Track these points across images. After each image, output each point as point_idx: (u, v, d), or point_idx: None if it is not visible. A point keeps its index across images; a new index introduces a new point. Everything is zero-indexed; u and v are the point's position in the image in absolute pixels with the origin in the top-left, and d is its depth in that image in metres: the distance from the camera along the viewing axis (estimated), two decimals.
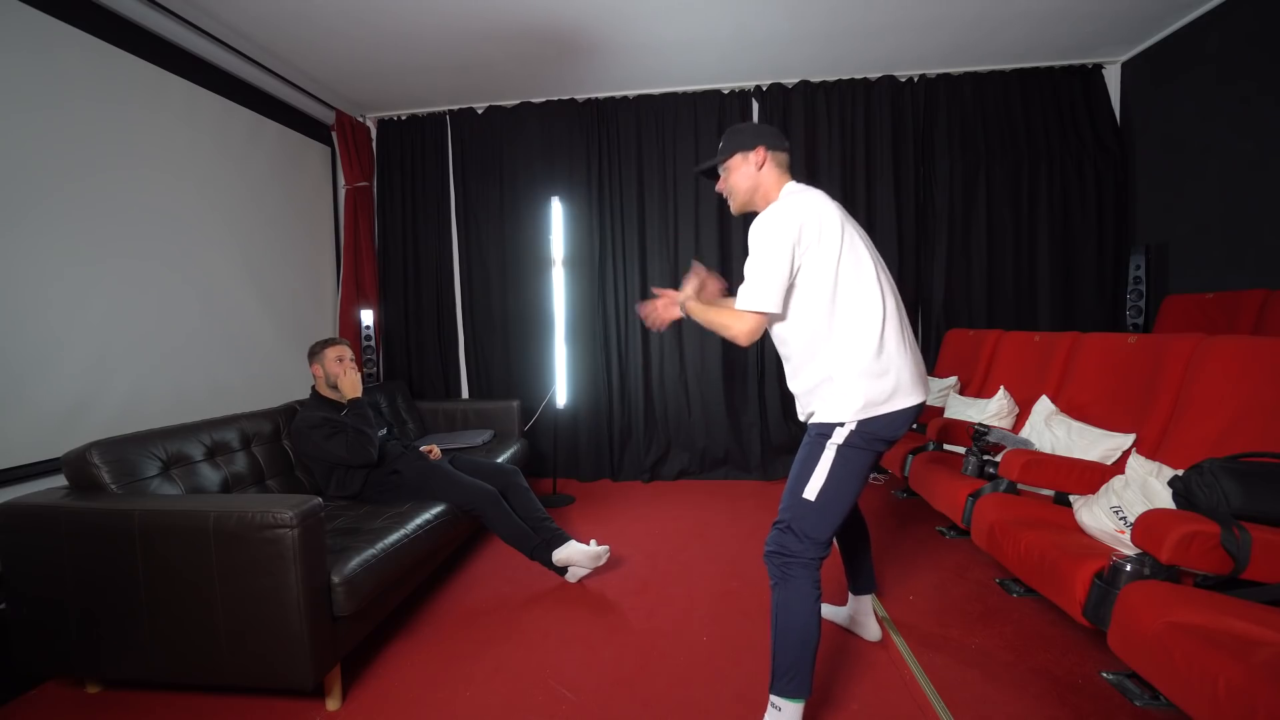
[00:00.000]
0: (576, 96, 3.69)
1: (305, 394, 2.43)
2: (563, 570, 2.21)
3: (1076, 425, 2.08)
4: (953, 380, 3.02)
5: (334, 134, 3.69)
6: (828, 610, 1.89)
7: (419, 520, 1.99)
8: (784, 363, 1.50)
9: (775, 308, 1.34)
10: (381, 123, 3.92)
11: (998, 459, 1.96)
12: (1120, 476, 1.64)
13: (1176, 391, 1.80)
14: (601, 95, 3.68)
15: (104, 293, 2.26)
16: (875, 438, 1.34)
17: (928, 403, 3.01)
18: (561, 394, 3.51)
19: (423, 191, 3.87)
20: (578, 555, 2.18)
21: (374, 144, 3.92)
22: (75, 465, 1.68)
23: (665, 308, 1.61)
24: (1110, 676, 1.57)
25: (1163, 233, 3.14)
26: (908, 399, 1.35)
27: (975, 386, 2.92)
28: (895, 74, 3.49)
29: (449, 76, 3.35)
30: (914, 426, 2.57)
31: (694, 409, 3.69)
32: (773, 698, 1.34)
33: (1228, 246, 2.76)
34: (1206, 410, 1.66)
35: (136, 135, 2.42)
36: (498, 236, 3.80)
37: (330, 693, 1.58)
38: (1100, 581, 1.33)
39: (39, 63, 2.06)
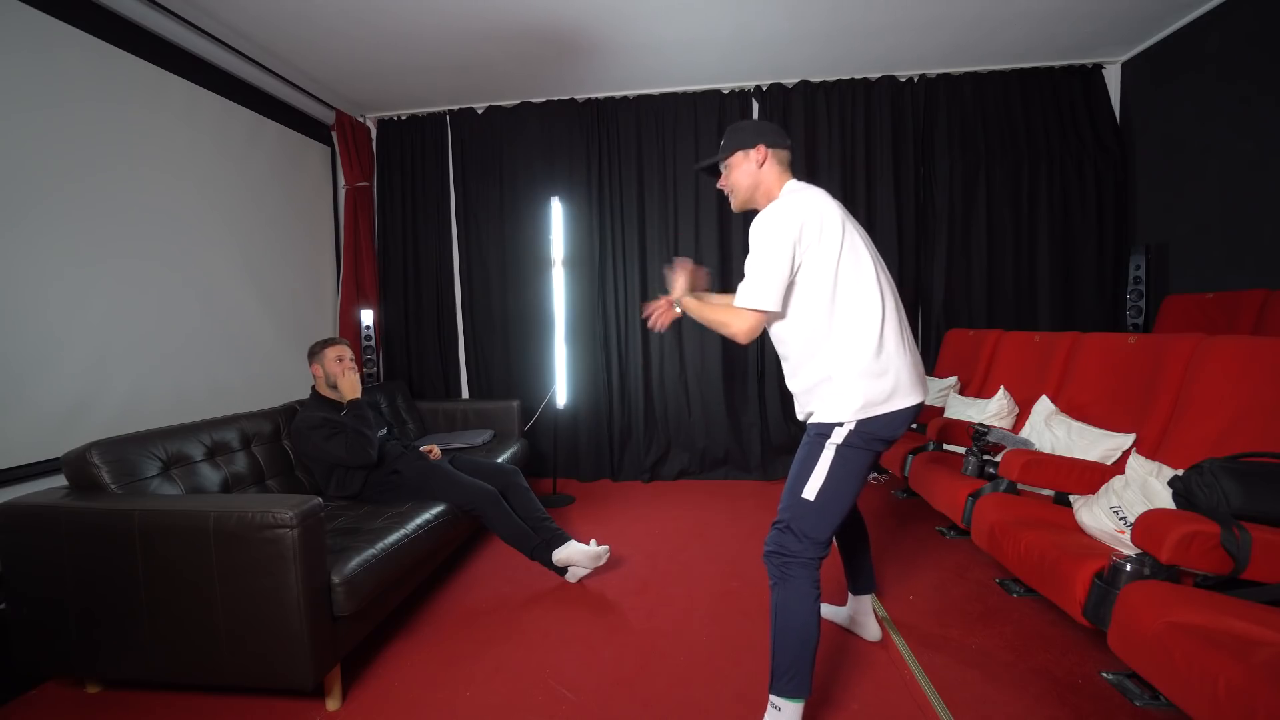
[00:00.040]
0: (576, 96, 3.69)
1: (305, 394, 2.43)
2: (563, 570, 2.21)
3: (1076, 425, 2.08)
4: (953, 380, 3.02)
5: (334, 134, 3.69)
6: (828, 610, 1.89)
7: (419, 520, 1.99)
8: (782, 362, 1.50)
9: (775, 306, 1.34)
10: (381, 123, 3.92)
11: (998, 459, 1.96)
12: (1120, 476, 1.64)
13: (1176, 391, 1.80)
14: (601, 95, 3.68)
15: (104, 293, 2.26)
16: (874, 438, 1.34)
17: (928, 403, 3.02)
18: (561, 394, 3.51)
19: (423, 191, 3.87)
20: (578, 555, 2.18)
21: (374, 144, 3.92)
22: (75, 465, 1.68)
23: (664, 312, 1.60)
24: (1110, 676, 1.57)
25: (1163, 233, 3.14)
26: (907, 399, 1.35)
27: (975, 386, 2.92)
28: (895, 74, 3.49)
29: (449, 76, 3.35)
30: (913, 426, 2.58)
31: (694, 409, 3.69)
32: (772, 697, 1.34)
33: (1228, 246, 2.76)
34: (1206, 410, 1.66)
35: (136, 135, 2.42)
36: (498, 236, 3.80)
37: (330, 693, 1.58)
38: (1100, 581, 1.33)
39: (39, 63, 2.06)
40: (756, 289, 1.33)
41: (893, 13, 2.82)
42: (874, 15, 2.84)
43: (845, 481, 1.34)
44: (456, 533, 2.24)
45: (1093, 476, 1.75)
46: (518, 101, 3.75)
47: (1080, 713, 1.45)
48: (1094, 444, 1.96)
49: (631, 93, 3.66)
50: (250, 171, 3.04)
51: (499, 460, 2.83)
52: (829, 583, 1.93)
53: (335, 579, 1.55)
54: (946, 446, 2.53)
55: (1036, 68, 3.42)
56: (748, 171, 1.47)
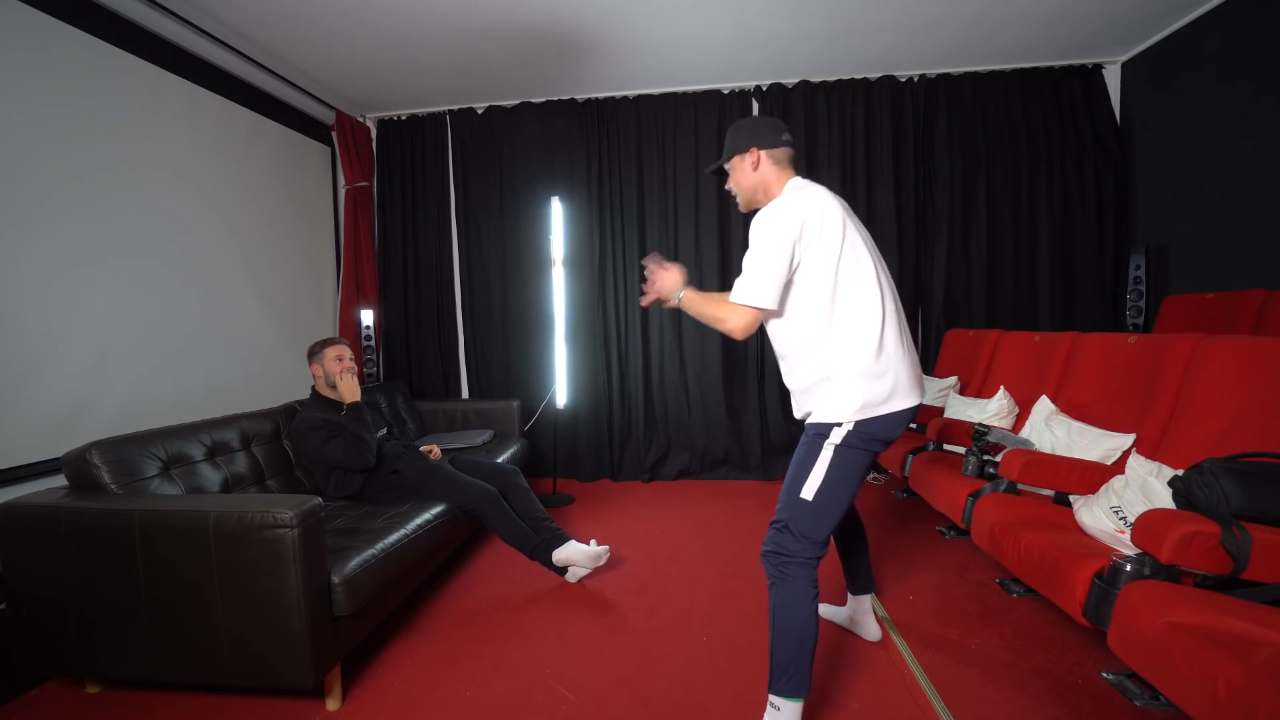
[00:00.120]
0: (576, 96, 3.69)
1: (305, 394, 2.43)
2: (563, 570, 2.21)
3: (1076, 425, 2.08)
4: (953, 380, 3.02)
5: (334, 134, 3.69)
6: (828, 611, 1.89)
7: (419, 520, 1.99)
8: (779, 359, 1.50)
9: (771, 304, 1.34)
10: (381, 123, 3.92)
11: (998, 459, 1.96)
12: (1120, 476, 1.64)
13: (1176, 391, 1.80)
14: (601, 95, 3.68)
15: (104, 293, 2.26)
16: (872, 438, 1.34)
17: (927, 403, 3.02)
18: (561, 394, 3.51)
19: (423, 191, 3.87)
20: (578, 555, 2.18)
21: (374, 144, 3.92)
22: (75, 465, 1.68)
23: (666, 283, 1.50)
24: (1110, 676, 1.57)
25: (1163, 233, 3.14)
26: (905, 400, 1.35)
27: (975, 386, 2.92)
28: (895, 74, 3.49)
29: (449, 76, 3.35)
30: (913, 426, 2.58)
31: (694, 409, 3.69)
32: (772, 697, 1.34)
33: (1228, 246, 2.76)
34: (1206, 410, 1.66)
35: (136, 135, 2.42)
36: (498, 236, 3.80)
37: (330, 693, 1.58)
38: (1100, 581, 1.33)
39: (39, 63, 2.06)
40: (753, 286, 1.33)
41: (892, 13, 2.82)
42: (873, 15, 2.84)
43: (843, 481, 1.34)
44: (456, 533, 2.24)
45: (1093, 476, 1.75)
46: (518, 101, 3.75)
47: (1080, 713, 1.45)
48: (1094, 444, 1.96)
49: (631, 93, 3.66)
50: (250, 171, 3.04)
51: (499, 460, 2.83)
52: (829, 583, 1.93)
53: (335, 579, 1.55)
54: (946, 446, 2.53)
55: (1036, 68, 3.42)
56: (745, 174, 1.48)
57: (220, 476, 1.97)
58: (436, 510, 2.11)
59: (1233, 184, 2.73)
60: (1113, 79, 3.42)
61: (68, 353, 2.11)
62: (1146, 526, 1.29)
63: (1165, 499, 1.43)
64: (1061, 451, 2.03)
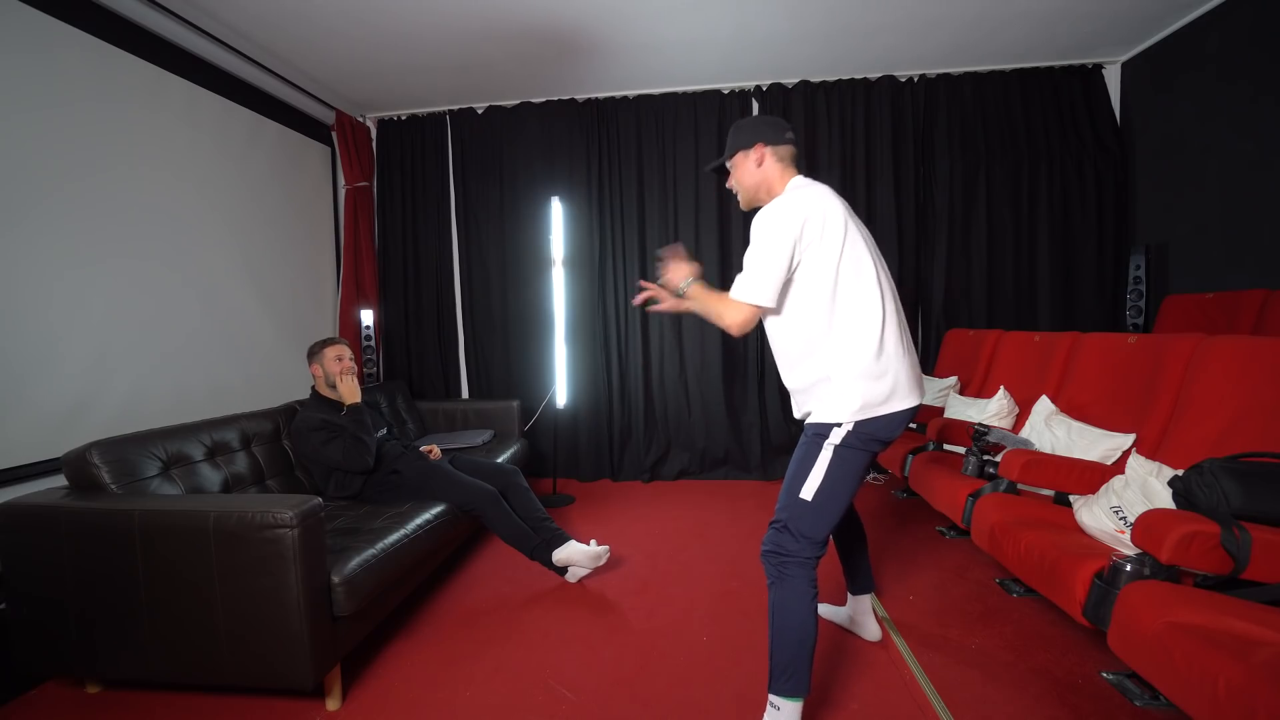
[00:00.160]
0: (576, 96, 3.69)
1: (305, 394, 2.43)
2: (563, 570, 2.21)
3: (1076, 425, 2.08)
4: (953, 380, 3.02)
5: (334, 134, 3.69)
6: (828, 611, 1.89)
7: (419, 520, 1.99)
8: (776, 357, 1.50)
9: (769, 302, 1.34)
10: (381, 123, 3.92)
11: (998, 459, 1.96)
12: (1120, 476, 1.64)
13: (1176, 391, 1.80)
14: (601, 95, 3.68)
15: (104, 293, 2.26)
16: (872, 439, 1.34)
17: (927, 403, 3.02)
18: (561, 394, 3.51)
19: (423, 191, 3.87)
20: (578, 555, 2.18)
21: (374, 144, 3.92)
22: (75, 465, 1.68)
23: (665, 302, 1.52)
24: (1110, 676, 1.57)
25: (1163, 233, 3.14)
26: (905, 401, 1.35)
27: (975, 386, 2.92)
28: (895, 74, 3.49)
29: (449, 76, 3.35)
30: (913, 426, 2.59)
31: (694, 409, 3.69)
32: (771, 697, 1.34)
33: (1228, 246, 2.76)
34: (1206, 410, 1.66)
35: (136, 135, 2.42)
36: (498, 236, 3.80)
37: (330, 693, 1.58)
38: (1100, 581, 1.33)
39: (39, 63, 2.06)
40: (753, 283, 1.34)
41: (892, 13, 2.82)
42: (873, 15, 2.84)
43: (842, 482, 1.34)
44: (456, 533, 2.24)
45: (1093, 476, 1.75)
46: (518, 101, 3.75)
47: (1080, 713, 1.45)
48: (1094, 444, 1.96)
49: (631, 93, 3.66)
50: (250, 171, 3.04)
51: (499, 460, 2.83)
52: (829, 583, 1.93)
53: (335, 579, 1.55)
54: (946, 446, 2.53)
55: (1036, 68, 3.42)
56: (749, 171, 1.48)
57: (220, 476, 1.97)
58: (436, 510, 2.11)
59: (1233, 184, 2.73)
60: (1113, 79, 3.42)
61: (68, 353, 2.11)
62: (1146, 526, 1.29)
63: (1165, 499, 1.43)
64: (1061, 451, 2.03)
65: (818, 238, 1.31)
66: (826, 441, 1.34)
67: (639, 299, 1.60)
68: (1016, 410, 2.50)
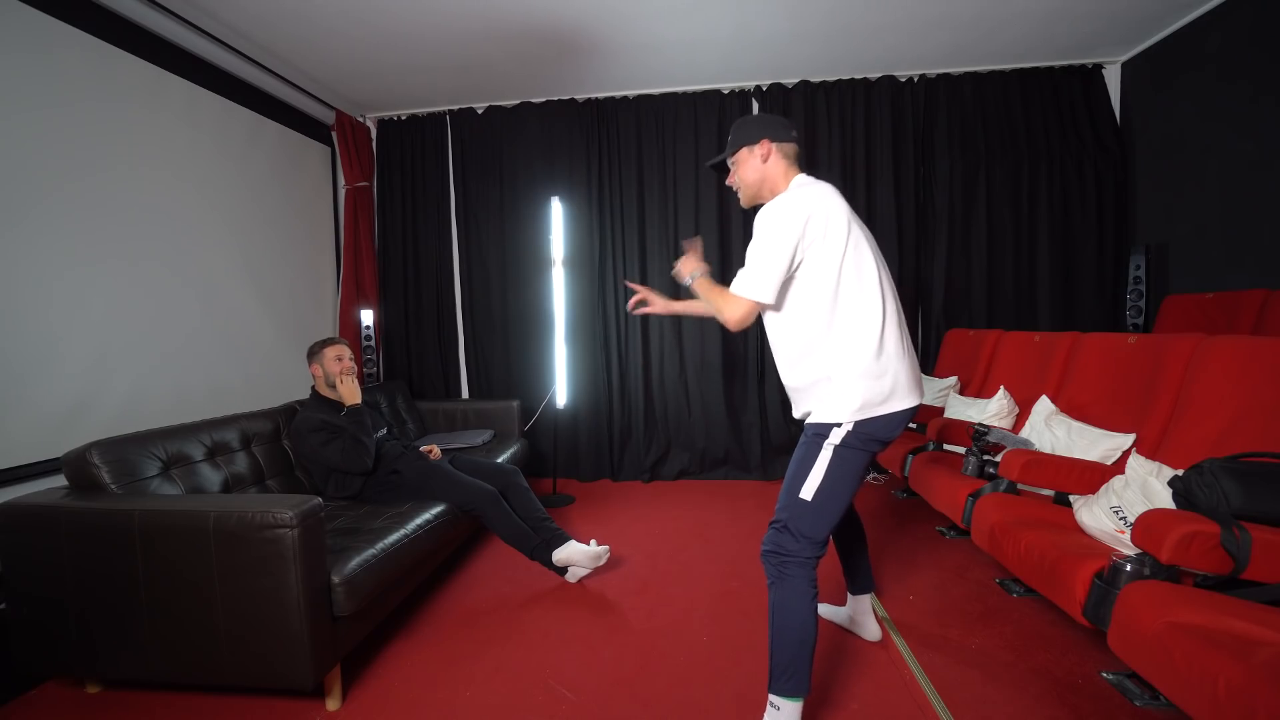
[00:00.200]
0: (576, 96, 3.69)
1: (305, 394, 2.43)
2: (563, 570, 2.21)
3: (1076, 425, 2.08)
4: (953, 380, 3.02)
5: (334, 134, 3.69)
6: (828, 611, 1.89)
7: (419, 520, 1.99)
8: (775, 355, 1.50)
9: (769, 298, 1.34)
10: (381, 123, 3.92)
11: (998, 459, 1.96)
12: (1120, 476, 1.64)
13: (1176, 391, 1.80)
14: (601, 95, 3.68)
15: (104, 293, 2.26)
16: (871, 438, 1.34)
17: (928, 403, 3.01)
18: (561, 394, 3.51)
19: (423, 191, 3.87)
20: (578, 555, 2.18)
21: (374, 144, 3.92)
22: (75, 465, 1.68)
23: (689, 264, 1.54)
24: (1110, 676, 1.57)
25: (1163, 233, 3.14)
26: (904, 401, 1.35)
27: (975, 386, 2.92)
28: (895, 74, 3.49)
29: (449, 76, 3.35)
30: (913, 426, 2.59)
31: (694, 409, 3.69)
32: (771, 697, 1.34)
33: (1228, 246, 2.76)
34: (1206, 410, 1.66)
35: (136, 135, 2.42)
36: (498, 236, 3.80)
37: (330, 693, 1.58)
38: (1100, 581, 1.33)
39: (39, 63, 2.06)
40: (753, 279, 1.34)
41: (892, 13, 2.82)
42: (874, 15, 2.84)
43: (842, 481, 1.34)
44: (456, 533, 2.24)
45: (1093, 476, 1.75)
46: (518, 101, 3.75)
47: (1080, 713, 1.45)
48: (1094, 444, 1.96)
49: (631, 93, 3.66)
50: (250, 171, 3.04)
51: (499, 460, 2.83)
52: (829, 583, 1.93)
53: (335, 579, 1.55)
54: (946, 446, 2.53)
55: (1036, 68, 3.42)
56: (753, 167, 1.48)
57: (220, 476, 1.97)
58: (436, 510, 2.11)
59: (1233, 184, 2.73)
60: (1113, 79, 3.42)
61: (68, 353, 2.11)
62: (1146, 526, 1.29)
63: (1165, 499, 1.43)
64: (1061, 451, 2.03)
65: (821, 236, 1.31)
66: (826, 441, 1.34)
67: (633, 302, 1.61)
68: (1016, 410, 2.50)
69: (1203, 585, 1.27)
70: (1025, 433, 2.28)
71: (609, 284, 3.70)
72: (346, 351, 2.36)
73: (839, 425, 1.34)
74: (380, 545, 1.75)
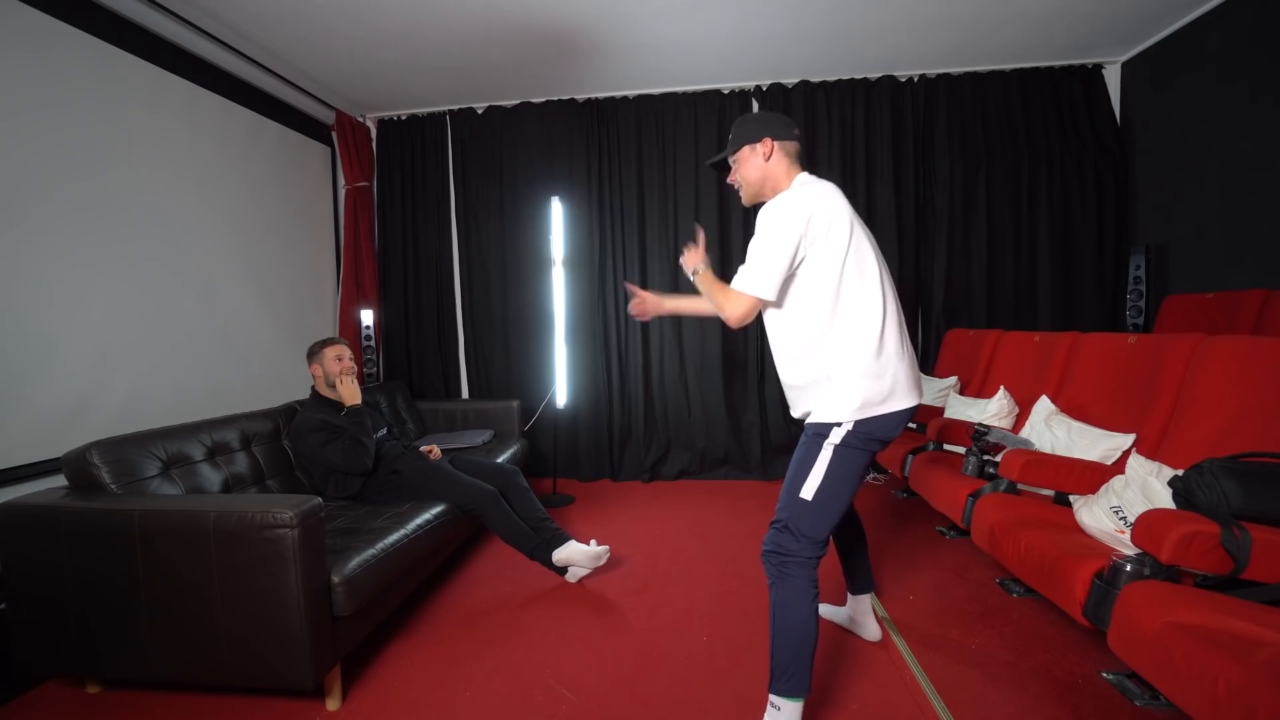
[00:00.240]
0: (576, 96, 3.69)
1: (305, 394, 2.43)
2: (563, 570, 2.21)
3: (1076, 425, 2.08)
4: (953, 380, 3.02)
5: (334, 134, 3.69)
6: (828, 611, 1.89)
7: (419, 520, 1.99)
8: (774, 354, 1.49)
9: (770, 295, 1.34)
10: (381, 123, 3.92)
11: (998, 459, 1.96)
12: (1120, 476, 1.64)
13: (1176, 391, 1.80)
14: (601, 95, 3.68)
15: (104, 293, 2.26)
16: (871, 438, 1.34)
17: (928, 403, 3.01)
18: (561, 394, 3.51)
19: (423, 191, 3.87)
20: (578, 555, 2.18)
21: (374, 144, 3.92)
22: (75, 465, 1.68)
23: (694, 256, 1.56)
24: (1110, 676, 1.57)
25: (1163, 233, 3.14)
26: (904, 401, 1.35)
27: (975, 386, 2.92)
28: (895, 74, 3.49)
29: (449, 76, 3.35)
30: (913, 426, 2.59)
31: (694, 409, 3.69)
32: (772, 697, 1.34)
33: (1228, 246, 2.76)
34: (1206, 410, 1.66)
35: (136, 135, 2.42)
36: (498, 236, 3.80)
37: (330, 693, 1.58)
38: (1100, 581, 1.33)
39: (39, 63, 2.06)
40: (755, 276, 1.34)
41: (892, 13, 2.82)
42: (874, 15, 2.84)
43: (842, 481, 1.34)
44: (456, 533, 2.24)
45: (1093, 476, 1.75)
46: (518, 101, 3.75)
47: (1080, 713, 1.45)
48: (1094, 444, 1.96)
49: (631, 93, 3.66)
50: (250, 171, 3.04)
51: (499, 460, 2.83)
52: (829, 583, 1.93)
53: (335, 579, 1.55)
54: (946, 446, 2.53)
55: (1036, 68, 3.42)
56: (755, 165, 1.47)
57: (220, 476, 1.97)
58: (436, 510, 2.11)
59: (1233, 184, 2.73)
60: (1113, 79, 3.42)
61: (68, 353, 2.11)
62: (1146, 526, 1.29)
63: (1165, 499, 1.43)
64: (1061, 451, 2.03)
65: (823, 235, 1.31)
66: (826, 441, 1.34)
67: (632, 306, 1.62)
68: (1016, 410, 2.50)
69: (1203, 585, 1.27)
70: (1025, 433, 2.28)
71: (609, 284, 3.70)
72: (346, 351, 2.36)
73: (839, 425, 1.34)
74: (380, 545, 1.75)
